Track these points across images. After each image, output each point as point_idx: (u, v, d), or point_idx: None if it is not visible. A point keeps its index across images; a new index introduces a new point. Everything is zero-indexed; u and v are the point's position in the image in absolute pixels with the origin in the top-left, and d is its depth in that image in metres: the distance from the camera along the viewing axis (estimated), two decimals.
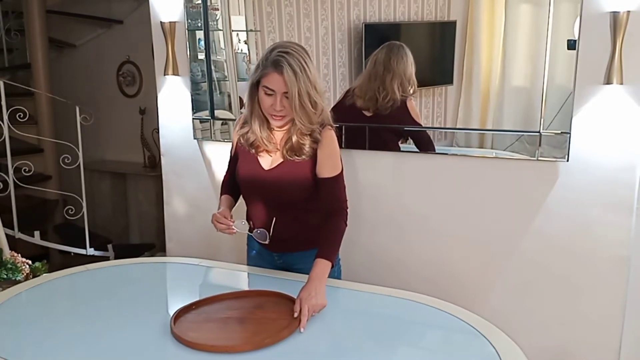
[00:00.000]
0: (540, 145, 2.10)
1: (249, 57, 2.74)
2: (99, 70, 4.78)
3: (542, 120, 2.09)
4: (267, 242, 1.91)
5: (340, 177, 1.88)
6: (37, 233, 3.74)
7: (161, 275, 2.13)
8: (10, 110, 3.60)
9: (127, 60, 4.63)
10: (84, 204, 3.75)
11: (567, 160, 2.06)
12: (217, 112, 2.76)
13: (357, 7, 2.45)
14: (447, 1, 2.36)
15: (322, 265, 1.74)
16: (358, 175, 2.44)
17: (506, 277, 2.29)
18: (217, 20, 2.70)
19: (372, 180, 2.45)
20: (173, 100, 2.83)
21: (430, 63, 2.45)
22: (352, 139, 2.40)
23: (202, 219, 2.79)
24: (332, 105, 2.44)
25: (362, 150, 2.42)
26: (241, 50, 2.76)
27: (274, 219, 1.89)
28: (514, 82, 2.31)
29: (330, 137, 1.85)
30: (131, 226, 4.79)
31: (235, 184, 2.01)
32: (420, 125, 2.40)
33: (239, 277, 2.08)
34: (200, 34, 2.70)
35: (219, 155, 2.72)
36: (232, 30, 2.72)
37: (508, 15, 2.23)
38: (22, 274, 2.51)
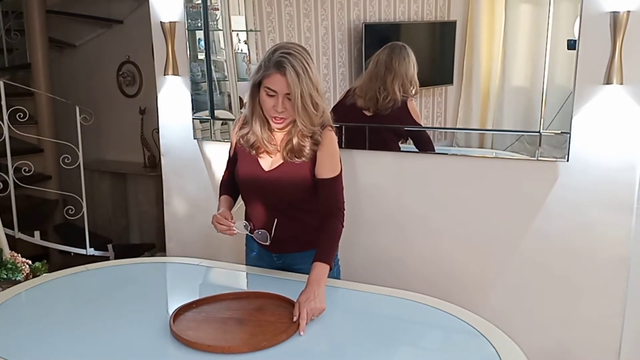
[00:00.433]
0: (540, 145, 2.10)
1: (249, 57, 2.74)
2: (99, 70, 4.78)
3: (542, 120, 2.09)
4: (268, 244, 1.91)
5: (339, 178, 1.88)
6: (37, 233, 3.74)
7: (161, 275, 2.13)
8: (10, 110, 3.60)
9: (127, 60, 4.63)
10: (84, 204, 3.75)
11: (567, 160, 2.06)
12: (217, 112, 2.76)
13: (357, 7, 2.45)
14: (447, 1, 2.36)
15: (321, 269, 1.73)
16: (358, 175, 2.45)
17: (506, 277, 2.29)
18: (217, 20, 2.70)
19: (372, 180, 2.45)
20: (173, 100, 2.83)
21: (430, 63, 2.45)
22: (352, 139, 2.40)
23: (202, 219, 2.79)
24: (332, 105, 2.44)
25: (362, 150, 2.42)
26: (241, 50, 2.76)
27: (276, 220, 1.89)
28: (514, 82, 2.31)
29: (330, 137, 1.85)
30: (131, 226, 4.79)
31: (234, 184, 2.01)
32: (421, 125, 2.40)
33: (239, 277, 2.08)
34: (200, 34, 2.70)
35: (219, 155, 2.72)
36: (232, 30, 2.72)
37: (508, 15, 2.23)
38: (22, 274, 2.51)
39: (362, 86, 2.42)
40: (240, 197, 2.03)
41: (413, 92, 2.36)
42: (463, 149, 2.31)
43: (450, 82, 2.37)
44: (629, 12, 1.88)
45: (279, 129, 1.83)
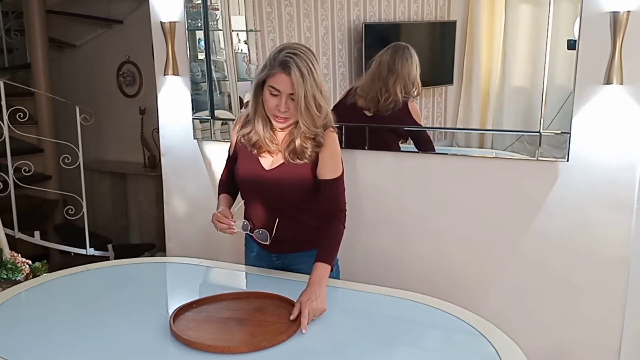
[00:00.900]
0: (540, 145, 2.10)
1: (249, 57, 2.74)
2: (99, 70, 4.78)
3: (542, 120, 2.09)
4: (268, 243, 1.91)
5: (340, 179, 1.88)
6: (37, 233, 3.74)
7: (161, 275, 2.13)
8: (10, 110, 3.61)
9: (127, 60, 4.63)
10: (84, 204, 3.75)
11: (567, 160, 2.06)
12: (217, 112, 2.76)
13: (357, 7, 2.45)
14: (447, 1, 2.36)
15: (322, 269, 1.73)
16: (358, 175, 2.45)
17: (506, 277, 2.29)
18: (217, 20, 2.70)
19: (372, 180, 2.45)
20: (173, 100, 2.83)
21: (430, 63, 2.45)
22: (352, 139, 2.40)
23: (202, 219, 2.79)
24: (332, 105, 2.44)
25: (362, 150, 2.42)
26: (241, 50, 2.76)
27: (277, 220, 1.89)
28: (514, 82, 2.31)
29: (332, 138, 1.85)
30: (131, 226, 4.80)
31: (233, 183, 2.01)
32: (421, 126, 2.40)
33: (239, 277, 2.08)
34: (200, 34, 2.70)
35: (219, 155, 2.72)
36: (232, 30, 2.72)
37: (508, 15, 2.23)
38: (22, 274, 2.51)
39: (364, 86, 2.42)
40: (239, 197, 2.03)
41: (415, 93, 2.36)
42: (463, 149, 2.31)
43: (450, 82, 2.37)
44: (629, 12, 1.88)
45: (280, 128, 1.83)
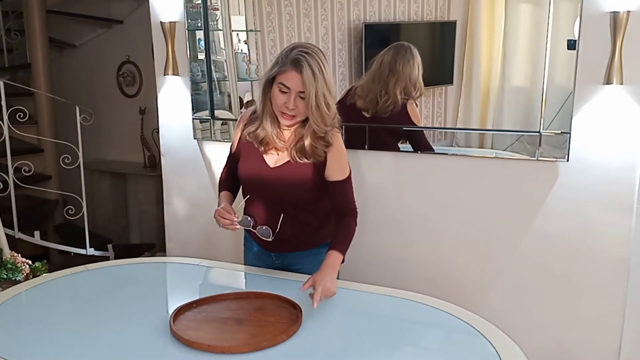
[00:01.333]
0: (540, 145, 2.10)
1: (249, 57, 2.74)
2: (99, 70, 4.78)
3: (542, 120, 2.09)
4: (270, 240, 1.91)
5: (349, 179, 1.89)
6: (37, 233, 3.74)
7: (161, 275, 2.13)
8: (10, 110, 3.60)
9: (127, 60, 4.63)
10: (84, 204, 3.75)
11: (567, 160, 2.06)
12: (217, 112, 2.76)
13: (357, 7, 2.45)
14: (447, 1, 2.35)
15: (335, 257, 1.77)
16: (358, 176, 2.44)
17: (506, 277, 2.29)
18: (217, 20, 2.70)
19: (372, 180, 2.45)
20: (173, 100, 2.83)
21: (430, 63, 2.44)
22: (352, 139, 2.39)
23: (202, 219, 2.79)
24: None
25: (362, 150, 2.42)
26: (241, 50, 2.76)
27: (282, 215, 1.88)
28: (514, 82, 2.31)
29: (338, 139, 1.86)
30: (131, 226, 4.80)
31: (233, 181, 2.01)
32: (421, 127, 2.39)
33: (239, 277, 2.08)
34: (200, 34, 2.70)
35: (219, 155, 2.72)
36: (232, 30, 2.72)
37: (508, 15, 2.23)
38: (22, 274, 2.51)
39: (364, 86, 2.41)
40: (240, 195, 2.03)
41: (417, 94, 2.34)
42: (463, 149, 2.31)
43: (450, 82, 2.37)
44: (629, 12, 1.88)
45: (287, 126, 1.84)
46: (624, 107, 1.97)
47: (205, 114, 2.76)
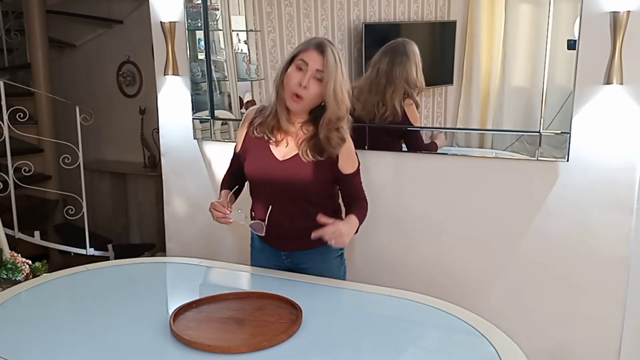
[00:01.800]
0: (540, 145, 2.10)
1: (249, 57, 2.74)
2: (99, 70, 4.78)
3: (542, 120, 2.09)
4: (263, 234, 1.91)
5: (359, 172, 1.96)
6: (37, 233, 3.74)
7: (161, 275, 2.13)
8: (10, 110, 3.60)
9: (127, 60, 4.63)
10: (84, 204, 3.75)
11: (567, 160, 2.06)
12: (217, 112, 2.76)
13: (357, 7, 2.45)
14: (447, 1, 2.35)
15: (354, 219, 1.85)
16: None
17: (506, 277, 2.29)
18: (217, 20, 2.69)
19: (373, 180, 2.44)
20: (173, 100, 2.83)
21: (430, 63, 2.44)
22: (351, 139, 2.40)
23: (202, 219, 2.79)
24: None
25: (362, 150, 2.42)
26: (241, 50, 2.76)
27: (270, 207, 1.88)
28: (514, 82, 2.31)
29: (348, 136, 1.89)
30: (131, 226, 4.80)
31: (235, 181, 2.01)
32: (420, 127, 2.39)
33: (239, 277, 2.08)
34: (200, 34, 2.70)
35: (219, 155, 2.72)
36: (232, 30, 2.72)
37: (508, 15, 2.23)
38: (22, 274, 2.51)
39: (361, 92, 2.38)
40: (239, 195, 2.03)
41: (417, 93, 2.34)
42: (463, 149, 2.31)
43: (450, 82, 2.36)
44: (629, 12, 1.88)
45: (295, 110, 1.84)
46: (624, 107, 1.97)
47: (205, 114, 2.76)
